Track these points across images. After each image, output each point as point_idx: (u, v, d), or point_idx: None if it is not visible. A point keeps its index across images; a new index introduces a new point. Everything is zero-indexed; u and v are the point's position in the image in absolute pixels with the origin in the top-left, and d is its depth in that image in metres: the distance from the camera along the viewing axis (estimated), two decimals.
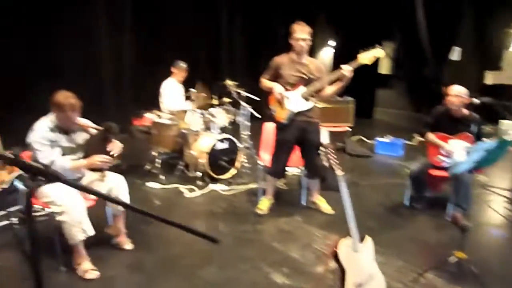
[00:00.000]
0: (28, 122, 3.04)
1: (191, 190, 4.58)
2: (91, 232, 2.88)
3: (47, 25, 6.18)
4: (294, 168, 4.76)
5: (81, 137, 3.14)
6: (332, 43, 10.60)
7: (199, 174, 4.80)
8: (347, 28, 9.67)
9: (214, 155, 4.80)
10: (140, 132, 6.60)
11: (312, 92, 3.71)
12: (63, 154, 2.99)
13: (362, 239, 2.47)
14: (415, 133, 4.08)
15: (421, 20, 7.77)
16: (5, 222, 3.61)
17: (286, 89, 3.71)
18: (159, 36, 7.54)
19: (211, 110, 5.13)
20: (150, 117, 6.53)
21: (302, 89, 3.69)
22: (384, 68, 9.90)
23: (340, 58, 10.21)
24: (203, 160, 4.76)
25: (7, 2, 5.78)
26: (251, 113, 5.34)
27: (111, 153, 3.05)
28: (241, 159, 5.18)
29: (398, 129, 8.13)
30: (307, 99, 3.72)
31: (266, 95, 3.93)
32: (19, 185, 0.84)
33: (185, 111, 5.02)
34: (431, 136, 3.95)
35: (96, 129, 3.15)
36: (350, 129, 6.49)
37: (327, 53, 10.76)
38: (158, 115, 5.20)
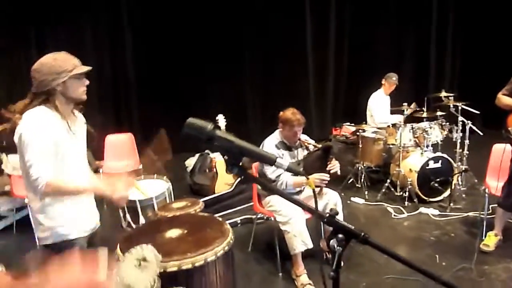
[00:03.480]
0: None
1: (398, 211, 4.33)
2: (310, 244, 3.00)
3: (262, 39, 6.93)
4: None
5: (301, 153, 3.32)
6: None
7: (406, 194, 4.49)
8: None
9: (424, 174, 4.42)
10: (338, 142, 6.69)
11: None
12: None
13: None
14: None
15: None
16: (230, 221, 4.11)
17: None
18: (363, 47, 7.45)
19: (423, 124, 4.74)
20: (349, 127, 6.55)
21: None
22: None
23: None
24: (412, 179, 4.44)
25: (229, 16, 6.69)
26: (471, 130, 4.70)
27: (329, 172, 3.12)
28: (456, 181, 4.61)
29: None
30: None
31: (504, 114, 3.35)
32: (334, 243, 0.88)
33: (395, 126, 4.78)
34: None
35: (315, 146, 3.27)
36: None
37: None
38: (363, 129, 5.11)
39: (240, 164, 0.89)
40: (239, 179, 4.48)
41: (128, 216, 3.05)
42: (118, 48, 6.63)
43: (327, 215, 0.92)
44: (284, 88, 7.01)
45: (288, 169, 0.92)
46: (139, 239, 2.07)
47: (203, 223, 2.18)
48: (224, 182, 4.57)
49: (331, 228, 2.88)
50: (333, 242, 0.90)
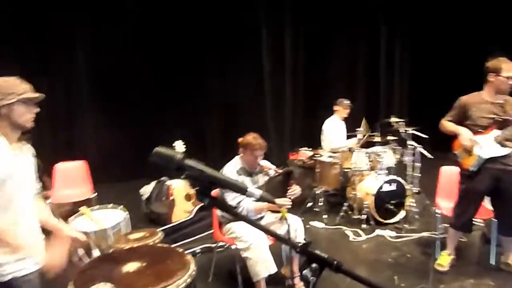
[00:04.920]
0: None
1: (356, 234, 4.40)
2: (273, 269, 2.96)
3: (221, 65, 7.01)
4: (477, 219, 4.16)
5: (262, 179, 3.32)
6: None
7: (363, 216, 4.59)
8: None
9: (380, 197, 4.55)
10: (296, 166, 6.77)
11: (509, 136, 3.21)
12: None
13: None
14: None
15: None
16: (189, 250, 3.98)
17: (475, 133, 3.30)
18: (318, 74, 7.72)
19: (377, 148, 4.92)
20: (306, 152, 6.66)
21: (495, 133, 3.23)
22: None
23: None
24: (369, 202, 4.56)
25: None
26: (421, 153, 4.94)
27: (290, 197, 3.12)
28: (409, 203, 4.79)
29: None
30: (502, 144, 3.24)
31: (449, 138, 3.55)
32: (307, 273, 0.85)
33: (351, 150, 4.92)
34: None
35: (276, 171, 3.28)
36: None
37: None
38: (320, 154, 5.22)
39: (211, 194, 0.87)
40: (197, 206, 4.37)
41: (80, 249, 2.85)
42: (72, 70, 6.40)
43: (300, 244, 0.90)
44: (242, 114, 7.07)
45: (261, 199, 0.90)
46: (94, 273, 1.94)
47: (163, 254, 2.08)
48: (183, 210, 4.45)
49: (292, 254, 2.84)
50: (306, 272, 0.88)
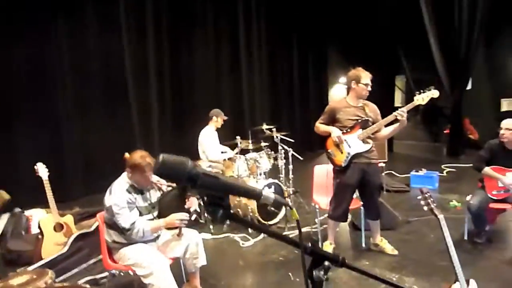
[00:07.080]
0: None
1: (245, 239, 4.50)
2: None
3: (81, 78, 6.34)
4: None
5: (155, 196, 3.11)
6: (343, 80, 10.87)
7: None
8: (358, 63, 9.91)
9: None
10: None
11: (369, 134, 3.75)
12: (140, 214, 2.95)
13: (467, 282, 2.41)
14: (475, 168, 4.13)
15: (437, 53, 8.03)
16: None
17: (343, 133, 3.75)
18: (184, 84, 7.68)
19: (254, 155, 5.13)
20: None
21: (359, 132, 3.74)
22: (398, 101, 10.13)
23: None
24: (252, 206, 4.72)
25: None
26: (293, 155, 5.36)
27: (188, 210, 3.01)
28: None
29: (422, 161, 8.24)
30: (364, 141, 3.76)
31: (322, 139, 3.96)
32: (319, 273, 0.79)
33: (231, 158, 5.03)
34: (489, 170, 3.98)
35: (169, 186, 3.12)
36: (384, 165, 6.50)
37: (338, 90, 10.99)
38: (199, 164, 5.20)
39: (223, 204, 0.77)
40: (73, 236, 3.83)
41: None
42: None
43: (309, 245, 0.87)
44: (105, 128, 6.50)
45: (274, 202, 0.84)
46: None
47: None
48: (53, 243, 3.83)
49: (193, 270, 2.74)
50: (317, 272, 0.86)
